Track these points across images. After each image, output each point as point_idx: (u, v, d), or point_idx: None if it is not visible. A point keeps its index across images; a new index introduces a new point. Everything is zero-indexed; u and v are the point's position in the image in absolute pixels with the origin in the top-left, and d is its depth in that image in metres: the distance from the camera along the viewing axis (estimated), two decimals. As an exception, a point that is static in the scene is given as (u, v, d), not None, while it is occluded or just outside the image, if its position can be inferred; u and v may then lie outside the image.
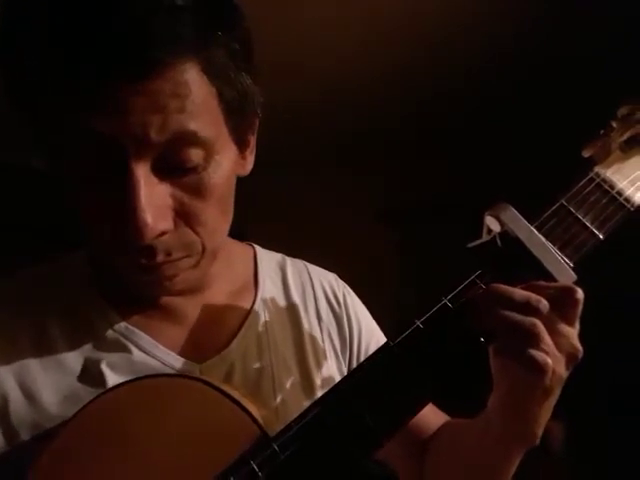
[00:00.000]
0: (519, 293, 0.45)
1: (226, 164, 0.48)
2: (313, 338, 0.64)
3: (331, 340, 0.66)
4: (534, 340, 0.43)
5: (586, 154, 0.56)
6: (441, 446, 0.64)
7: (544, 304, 0.44)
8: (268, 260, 0.69)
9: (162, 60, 0.40)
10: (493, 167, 2.39)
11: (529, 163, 2.32)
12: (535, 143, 2.36)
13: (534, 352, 0.43)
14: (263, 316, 0.61)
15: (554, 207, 0.50)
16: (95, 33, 0.39)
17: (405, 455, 0.67)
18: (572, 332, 0.46)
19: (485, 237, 0.53)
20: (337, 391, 0.46)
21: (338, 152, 2.59)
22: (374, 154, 2.68)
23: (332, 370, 0.64)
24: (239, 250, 0.68)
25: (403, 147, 2.63)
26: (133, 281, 0.51)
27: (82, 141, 0.42)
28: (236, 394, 0.49)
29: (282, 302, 0.65)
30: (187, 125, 0.43)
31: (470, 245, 0.54)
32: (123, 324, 0.54)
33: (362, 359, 0.67)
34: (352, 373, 0.47)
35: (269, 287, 0.65)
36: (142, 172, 0.43)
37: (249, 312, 0.61)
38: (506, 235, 0.50)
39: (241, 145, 0.52)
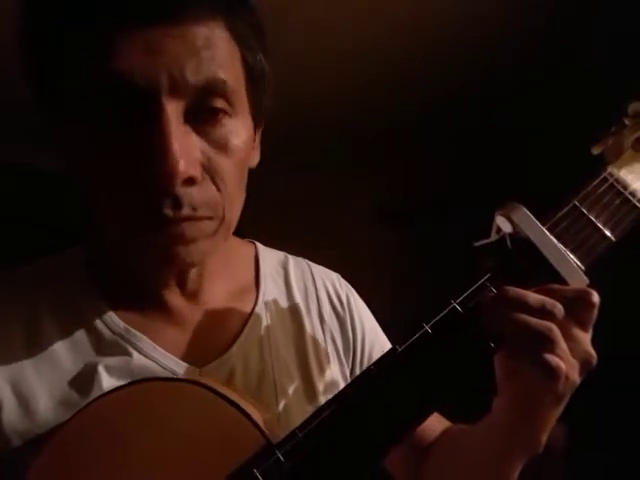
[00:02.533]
0: (533, 297, 0.43)
1: (244, 133, 0.49)
2: (316, 342, 0.62)
3: (334, 343, 0.64)
4: (550, 345, 0.42)
5: (596, 151, 0.54)
6: (441, 452, 0.63)
7: (559, 308, 0.43)
8: (270, 259, 0.67)
9: (196, 11, 0.43)
10: (493, 167, 2.38)
11: (530, 163, 2.32)
12: (536, 143, 2.35)
13: (549, 357, 0.41)
14: (265, 319, 0.60)
15: (566, 208, 0.48)
16: None
17: (404, 461, 0.65)
18: (586, 337, 0.45)
19: (494, 237, 0.51)
20: (342, 398, 0.44)
21: (338, 152, 2.58)
22: (374, 154, 2.67)
23: (335, 374, 0.62)
24: (240, 247, 0.66)
25: (403, 147, 2.62)
26: (146, 245, 0.47)
27: (112, 85, 0.42)
28: (236, 397, 0.47)
29: (284, 304, 0.63)
30: (218, 73, 0.44)
31: (477, 244, 0.53)
32: (123, 326, 0.52)
33: (366, 362, 0.66)
34: (357, 379, 0.45)
35: (270, 288, 0.63)
36: (175, 114, 0.43)
37: (250, 315, 0.59)
38: (517, 236, 0.48)
39: (254, 125, 0.53)
